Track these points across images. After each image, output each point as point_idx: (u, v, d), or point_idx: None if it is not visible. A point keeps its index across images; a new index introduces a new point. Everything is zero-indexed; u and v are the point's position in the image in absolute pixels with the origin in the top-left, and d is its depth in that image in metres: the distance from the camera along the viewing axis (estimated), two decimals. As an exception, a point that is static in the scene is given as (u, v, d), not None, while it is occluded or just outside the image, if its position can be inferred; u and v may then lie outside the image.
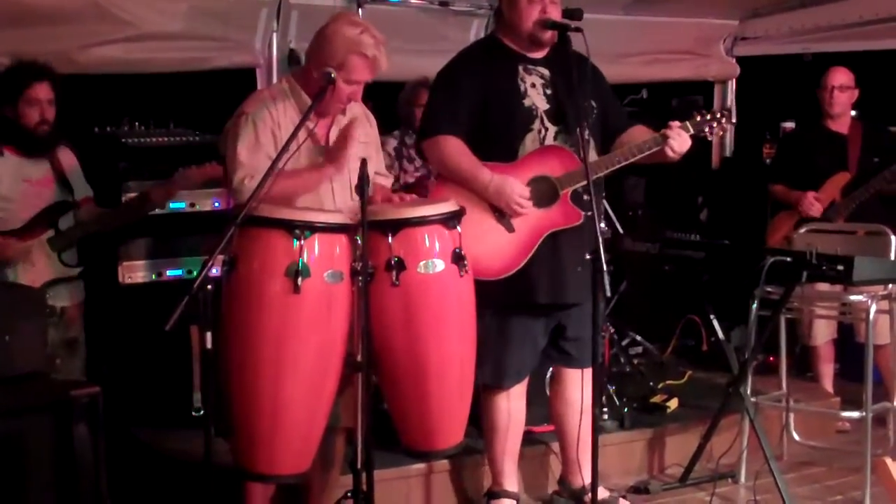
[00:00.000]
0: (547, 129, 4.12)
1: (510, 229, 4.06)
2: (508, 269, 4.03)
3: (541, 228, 4.07)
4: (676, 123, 4.15)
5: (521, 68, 4.17)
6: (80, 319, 4.91)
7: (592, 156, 4.07)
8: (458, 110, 4.11)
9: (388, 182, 4.14)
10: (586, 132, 3.95)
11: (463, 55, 4.29)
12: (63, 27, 5.20)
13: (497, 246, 4.03)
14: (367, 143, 4.02)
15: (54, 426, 3.80)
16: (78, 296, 4.90)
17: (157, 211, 5.00)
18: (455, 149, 4.08)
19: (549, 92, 4.16)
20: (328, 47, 3.77)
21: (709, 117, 4.22)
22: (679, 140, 4.11)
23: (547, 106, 4.14)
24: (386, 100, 5.71)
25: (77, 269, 4.85)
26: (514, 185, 4.02)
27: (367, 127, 4.06)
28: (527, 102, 4.12)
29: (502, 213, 4.06)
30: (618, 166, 4.16)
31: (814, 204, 5.73)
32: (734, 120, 7.19)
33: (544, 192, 4.08)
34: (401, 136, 5.61)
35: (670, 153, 4.11)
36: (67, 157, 4.88)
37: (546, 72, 4.20)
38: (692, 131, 4.17)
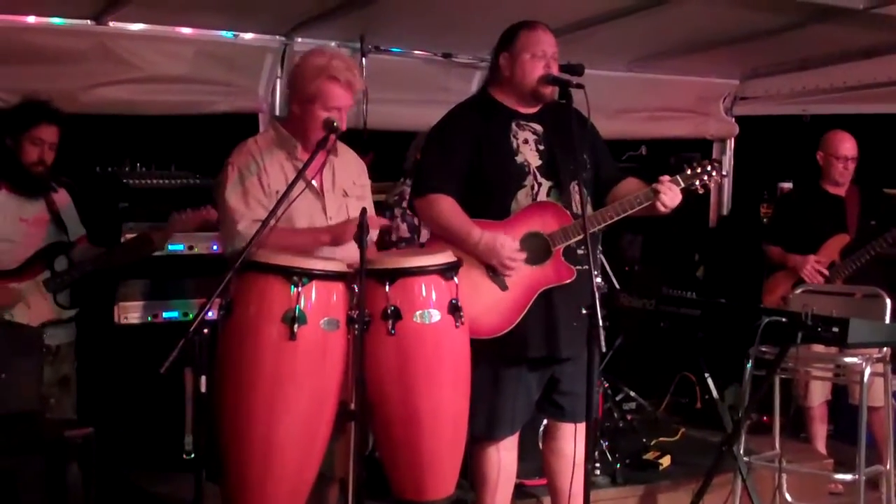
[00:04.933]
0: (540, 185, 4.12)
1: (503, 287, 4.05)
2: (503, 327, 4.02)
3: (534, 286, 4.06)
4: (667, 178, 4.14)
5: (513, 124, 4.17)
6: (72, 357, 4.91)
7: (587, 210, 4.06)
8: (451, 168, 4.11)
9: (374, 233, 4.14)
10: (583, 187, 3.98)
11: (455, 112, 4.29)
12: (69, 67, 5.24)
13: (491, 304, 4.02)
14: (363, 185, 4.05)
15: (47, 466, 3.79)
16: (71, 334, 4.90)
17: (156, 252, 5.01)
18: (447, 208, 4.08)
19: (541, 147, 4.16)
20: (301, 80, 3.83)
21: (699, 170, 4.21)
22: (670, 195, 4.11)
23: (539, 162, 4.14)
24: (389, 149, 5.74)
25: (71, 311, 4.85)
26: (505, 242, 4.01)
27: (362, 174, 4.11)
28: (519, 159, 4.12)
29: (495, 272, 4.04)
30: (610, 221, 4.15)
31: (815, 275, 5.73)
32: (724, 172, 7.22)
33: (537, 249, 4.07)
34: None
35: (661, 208, 4.11)
36: (61, 197, 4.90)
37: (538, 127, 4.20)
38: (683, 185, 4.17)
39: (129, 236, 5.10)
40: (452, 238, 4.06)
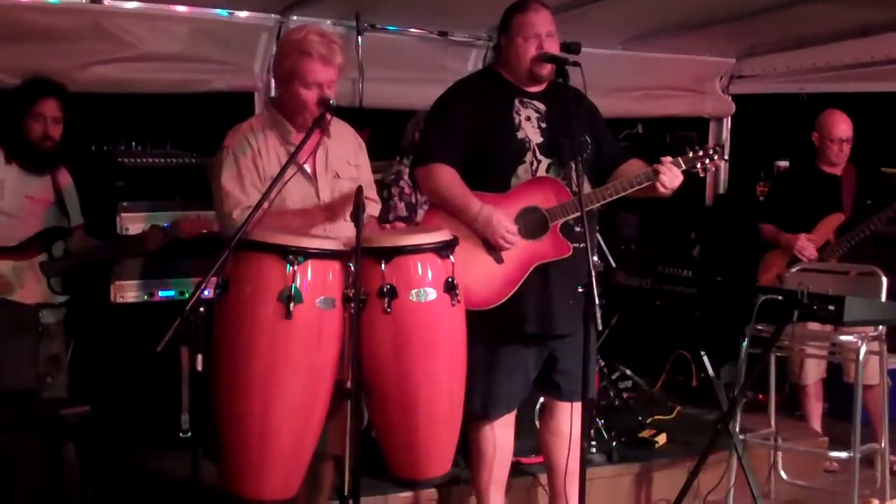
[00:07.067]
0: (539, 162, 4.13)
1: (499, 260, 4.06)
2: (495, 299, 4.02)
3: (529, 260, 4.07)
4: (668, 159, 4.14)
5: (516, 101, 4.18)
6: (62, 336, 4.92)
7: (585, 189, 4.06)
8: (453, 140, 4.12)
9: (376, 209, 4.15)
10: (580, 165, 3.98)
11: (459, 85, 4.31)
12: (63, 45, 5.23)
13: (485, 276, 4.03)
14: (358, 165, 4.04)
15: (43, 445, 3.79)
16: (60, 313, 4.92)
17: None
18: (447, 178, 4.09)
19: (543, 125, 4.17)
20: (280, 58, 3.83)
21: (701, 153, 4.21)
22: (670, 176, 4.11)
23: (540, 139, 4.15)
24: (384, 128, 5.73)
25: (63, 297, 4.86)
26: (502, 220, 4.02)
27: (359, 152, 4.09)
28: (520, 135, 4.13)
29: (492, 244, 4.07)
30: (608, 199, 4.16)
31: (808, 246, 5.74)
32: (727, 157, 7.20)
33: (534, 224, 4.08)
34: None
35: (661, 188, 4.11)
36: (65, 179, 4.91)
37: (541, 106, 4.21)
38: (684, 167, 4.17)
39: (124, 216, 5.10)
40: (452, 209, 4.08)
